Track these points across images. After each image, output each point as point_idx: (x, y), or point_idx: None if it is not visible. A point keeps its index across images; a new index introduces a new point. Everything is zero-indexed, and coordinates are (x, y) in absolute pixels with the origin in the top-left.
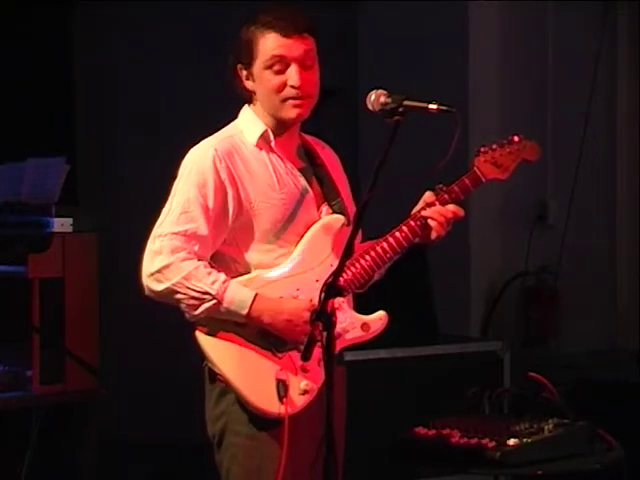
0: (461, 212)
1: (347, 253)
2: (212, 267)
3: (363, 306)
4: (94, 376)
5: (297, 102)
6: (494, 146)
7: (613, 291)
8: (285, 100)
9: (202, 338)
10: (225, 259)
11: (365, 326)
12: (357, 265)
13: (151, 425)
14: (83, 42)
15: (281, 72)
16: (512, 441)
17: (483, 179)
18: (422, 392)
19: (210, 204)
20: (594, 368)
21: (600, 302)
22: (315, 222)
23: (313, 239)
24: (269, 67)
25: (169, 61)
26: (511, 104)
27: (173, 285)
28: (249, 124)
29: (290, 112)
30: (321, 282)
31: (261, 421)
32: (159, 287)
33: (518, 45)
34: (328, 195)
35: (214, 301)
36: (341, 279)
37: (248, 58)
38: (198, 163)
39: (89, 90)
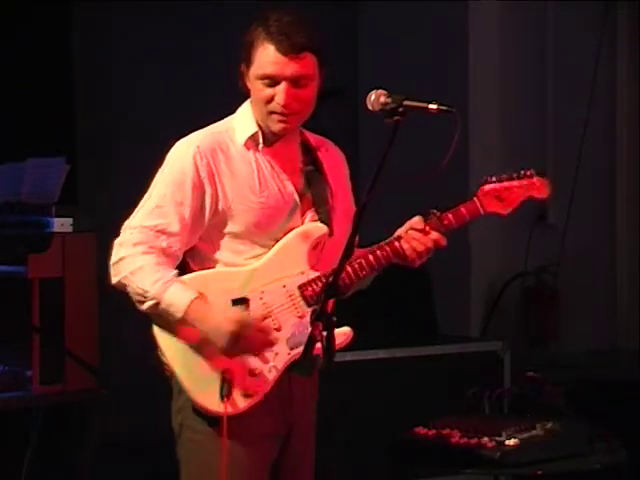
0: (444, 242)
1: (347, 254)
2: (188, 265)
3: (363, 307)
4: (94, 376)
5: (282, 118)
6: (502, 177)
7: (613, 291)
8: (271, 113)
9: (156, 326)
10: (200, 255)
11: None
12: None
13: (151, 425)
14: (83, 42)
15: (272, 85)
16: (512, 441)
17: (481, 211)
18: (422, 392)
19: (186, 202)
20: (594, 368)
21: (600, 302)
22: (296, 227)
23: (287, 245)
24: (261, 79)
25: (169, 61)
26: (511, 104)
27: (122, 279)
28: (243, 122)
29: (275, 125)
30: (288, 289)
31: (210, 418)
32: (114, 279)
33: (518, 45)
34: (317, 201)
35: (153, 301)
36: (310, 290)
37: (247, 61)
38: (180, 160)
39: (89, 90)
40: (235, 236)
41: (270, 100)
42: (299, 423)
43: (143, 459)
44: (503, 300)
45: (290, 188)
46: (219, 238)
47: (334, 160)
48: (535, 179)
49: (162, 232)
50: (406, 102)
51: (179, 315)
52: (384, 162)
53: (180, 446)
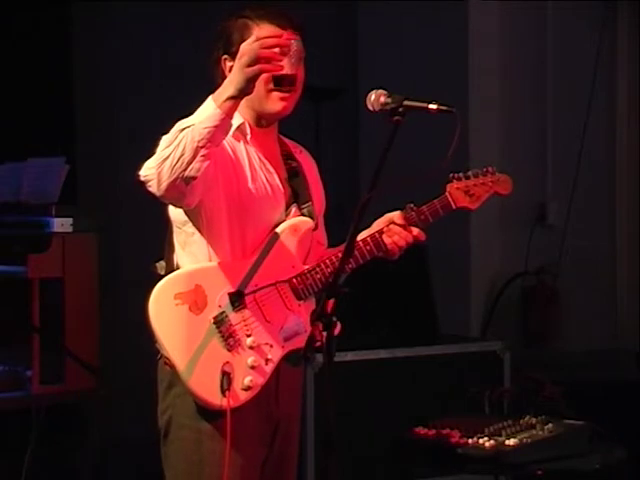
0: (423, 237)
1: (347, 254)
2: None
3: (364, 306)
4: (94, 376)
5: (284, 95)
6: (469, 174)
7: (613, 291)
8: (271, 91)
9: (155, 315)
10: (194, 246)
11: None
12: (318, 271)
13: (151, 425)
14: (83, 42)
15: None
16: (512, 441)
17: (453, 206)
18: (422, 392)
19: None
20: (594, 368)
21: (600, 302)
22: (281, 221)
23: (278, 239)
24: None
25: (169, 61)
26: (511, 104)
27: (157, 166)
28: None
29: (276, 105)
30: (279, 283)
31: (205, 414)
32: (145, 172)
33: (518, 45)
34: (299, 197)
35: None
36: (301, 283)
37: (237, 49)
38: None
39: (89, 90)
40: (226, 224)
41: (271, 78)
42: (283, 420)
43: (143, 459)
44: (503, 300)
45: (277, 180)
46: (212, 226)
47: (307, 162)
48: (498, 176)
49: None
50: (406, 102)
51: (219, 114)
52: (384, 162)
53: (167, 445)
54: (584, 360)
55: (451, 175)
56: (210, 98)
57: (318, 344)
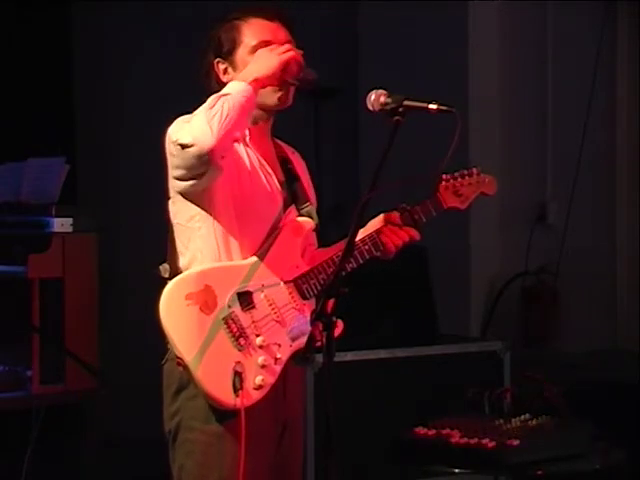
0: (418, 236)
1: (347, 253)
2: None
3: (364, 306)
4: (94, 376)
5: (280, 86)
6: (456, 175)
7: (613, 291)
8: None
9: (166, 315)
10: (197, 250)
11: None
12: (321, 270)
13: (151, 425)
14: (83, 42)
15: None
16: (512, 441)
17: (445, 205)
18: (422, 392)
19: None
20: (594, 368)
21: (600, 302)
22: (279, 221)
23: (281, 239)
24: (255, 51)
25: (169, 61)
26: (511, 104)
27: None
28: None
29: (272, 98)
30: (285, 283)
31: (214, 417)
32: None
33: (518, 45)
34: (297, 198)
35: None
36: (306, 283)
37: (229, 48)
38: None
39: (89, 90)
40: (234, 223)
41: None
42: (290, 419)
43: (143, 459)
44: (503, 300)
45: (276, 181)
46: (220, 224)
47: (300, 163)
48: (484, 177)
49: None
50: (406, 102)
51: (250, 89)
52: (384, 162)
53: (177, 447)
54: (584, 360)
55: (442, 176)
56: (233, 82)
57: (318, 344)
